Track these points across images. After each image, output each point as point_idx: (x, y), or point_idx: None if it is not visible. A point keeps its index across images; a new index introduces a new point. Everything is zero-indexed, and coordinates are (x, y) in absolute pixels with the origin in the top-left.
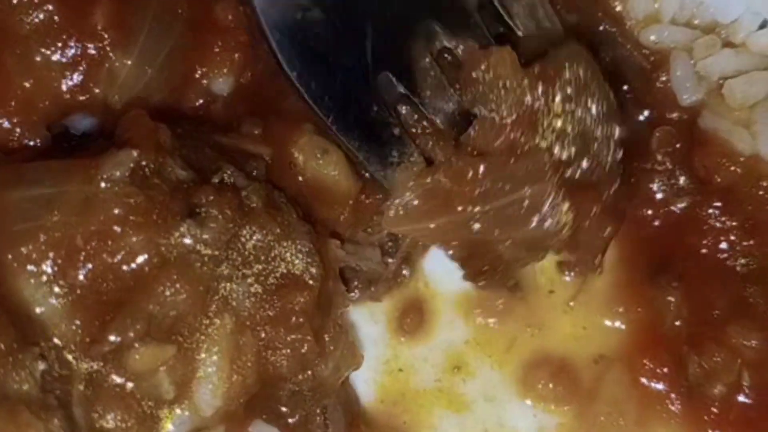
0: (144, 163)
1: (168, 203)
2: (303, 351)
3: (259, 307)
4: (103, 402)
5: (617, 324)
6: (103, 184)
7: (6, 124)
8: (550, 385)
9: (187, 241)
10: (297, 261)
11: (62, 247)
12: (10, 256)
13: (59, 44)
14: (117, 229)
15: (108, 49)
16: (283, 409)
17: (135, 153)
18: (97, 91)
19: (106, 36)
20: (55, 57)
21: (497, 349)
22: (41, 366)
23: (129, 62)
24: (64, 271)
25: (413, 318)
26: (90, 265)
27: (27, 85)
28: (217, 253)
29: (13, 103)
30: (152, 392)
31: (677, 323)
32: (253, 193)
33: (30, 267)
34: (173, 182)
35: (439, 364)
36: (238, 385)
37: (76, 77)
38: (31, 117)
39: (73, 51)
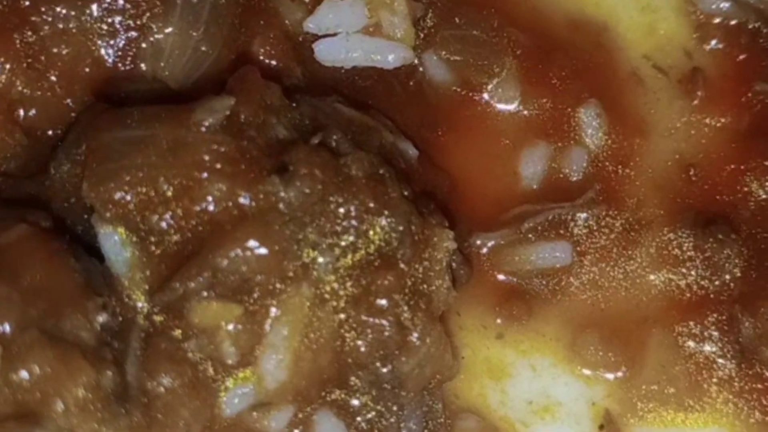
0: (243, 115)
1: (259, 158)
2: (383, 337)
3: (342, 282)
4: (157, 362)
5: (661, 284)
6: (194, 129)
7: (49, 95)
8: (600, 352)
9: (270, 197)
10: (389, 239)
11: (144, 188)
12: (94, 196)
13: (93, 7)
14: (200, 175)
15: (146, 21)
16: (355, 402)
17: (231, 101)
18: (144, 67)
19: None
20: (91, 22)
21: None
22: (102, 318)
23: (170, 30)
24: (143, 214)
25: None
26: (168, 211)
27: (64, 52)
28: (300, 214)
29: (54, 74)
30: (213, 354)
31: (729, 281)
32: (354, 162)
33: (110, 208)
34: (272, 140)
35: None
36: (309, 361)
37: (118, 46)
38: (73, 86)
39: (108, 17)
